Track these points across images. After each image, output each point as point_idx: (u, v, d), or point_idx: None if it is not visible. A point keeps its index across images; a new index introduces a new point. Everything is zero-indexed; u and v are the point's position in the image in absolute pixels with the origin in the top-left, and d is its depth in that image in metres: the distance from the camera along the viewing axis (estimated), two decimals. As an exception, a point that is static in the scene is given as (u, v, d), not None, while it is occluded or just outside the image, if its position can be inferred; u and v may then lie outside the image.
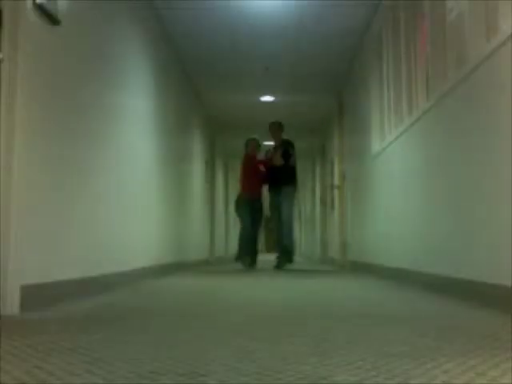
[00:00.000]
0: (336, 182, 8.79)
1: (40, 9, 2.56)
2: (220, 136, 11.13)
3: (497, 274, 2.51)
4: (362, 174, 6.28)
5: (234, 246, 13.11)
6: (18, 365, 1.27)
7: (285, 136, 7.35)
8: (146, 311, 2.41)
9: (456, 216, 3.10)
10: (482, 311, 2.41)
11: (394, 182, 4.73)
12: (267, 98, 8.46)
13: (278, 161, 6.96)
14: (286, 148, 7.10)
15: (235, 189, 12.25)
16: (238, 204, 7.28)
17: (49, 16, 2.66)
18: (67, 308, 2.51)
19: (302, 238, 18.87)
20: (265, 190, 7.39)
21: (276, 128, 7.31)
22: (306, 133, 10.64)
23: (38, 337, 1.68)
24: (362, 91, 6.30)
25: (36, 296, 2.51)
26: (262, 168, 7.33)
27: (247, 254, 7.16)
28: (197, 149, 8.35)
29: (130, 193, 4.28)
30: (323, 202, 11.18)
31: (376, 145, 5.57)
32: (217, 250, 10.66)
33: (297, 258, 17.89)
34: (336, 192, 8.79)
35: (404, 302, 2.85)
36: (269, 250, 41.43)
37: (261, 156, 7.51)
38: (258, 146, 7.43)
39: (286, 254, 7.03)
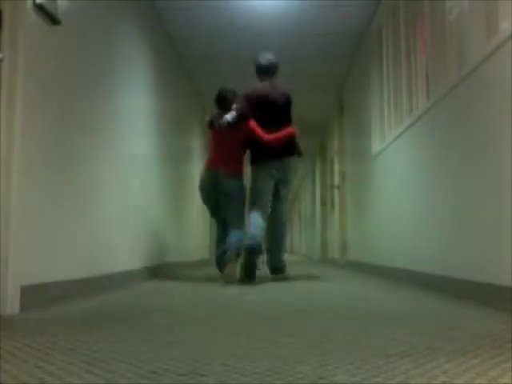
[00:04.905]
0: (336, 181, 8.79)
1: (40, 9, 2.57)
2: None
3: (497, 274, 2.51)
4: (363, 174, 6.28)
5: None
6: (18, 365, 1.27)
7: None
8: (145, 311, 2.41)
9: (456, 216, 3.10)
10: (482, 311, 2.41)
11: (394, 182, 4.73)
12: (267, 98, 8.45)
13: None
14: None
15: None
16: (200, 188, 4.72)
17: (49, 16, 2.67)
18: (67, 308, 2.51)
19: (302, 237, 18.87)
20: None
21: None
22: (305, 132, 10.64)
23: (38, 337, 1.68)
24: (361, 91, 6.30)
25: (36, 296, 2.51)
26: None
27: (220, 262, 4.65)
28: (197, 149, 8.35)
29: (130, 193, 4.29)
30: (323, 202, 11.18)
31: (376, 145, 5.57)
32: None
33: (297, 258, 17.87)
34: (336, 192, 8.79)
35: (404, 301, 2.85)
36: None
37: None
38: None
39: (275, 272, 4.64)
